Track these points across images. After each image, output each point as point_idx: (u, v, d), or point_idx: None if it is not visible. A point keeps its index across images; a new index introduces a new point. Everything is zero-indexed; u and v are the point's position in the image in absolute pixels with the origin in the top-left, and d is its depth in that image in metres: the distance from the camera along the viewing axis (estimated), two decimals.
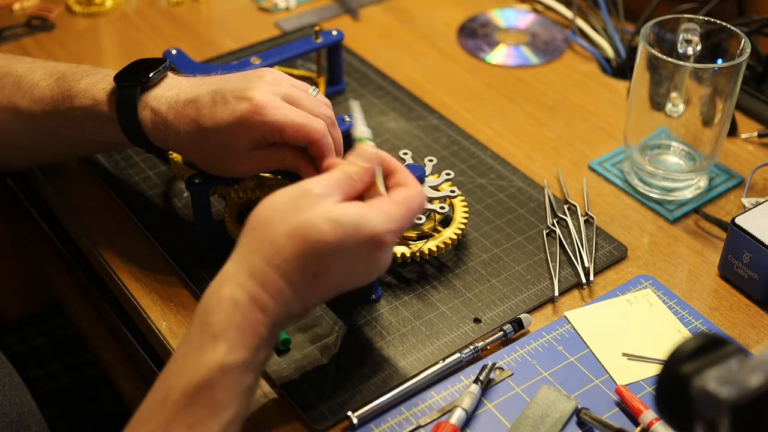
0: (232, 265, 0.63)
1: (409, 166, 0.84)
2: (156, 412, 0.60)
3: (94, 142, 0.86)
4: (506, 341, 0.77)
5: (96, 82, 0.80)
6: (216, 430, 0.60)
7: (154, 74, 0.79)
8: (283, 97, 0.75)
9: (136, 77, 0.78)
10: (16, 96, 0.83)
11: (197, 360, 0.60)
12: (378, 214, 0.64)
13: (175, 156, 0.89)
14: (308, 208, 0.62)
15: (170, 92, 0.78)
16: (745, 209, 0.85)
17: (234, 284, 0.62)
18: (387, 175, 0.69)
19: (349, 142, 0.90)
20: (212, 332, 0.60)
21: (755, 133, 1.00)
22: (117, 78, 0.79)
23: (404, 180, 0.68)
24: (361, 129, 0.70)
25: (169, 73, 0.81)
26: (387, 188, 0.68)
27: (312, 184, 0.64)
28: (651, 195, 0.92)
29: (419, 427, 0.70)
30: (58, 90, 0.81)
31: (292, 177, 0.82)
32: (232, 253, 0.64)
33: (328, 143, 0.75)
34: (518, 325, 0.77)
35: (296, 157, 0.76)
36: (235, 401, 0.61)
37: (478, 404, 0.72)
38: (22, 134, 0.85)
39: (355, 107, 0.72)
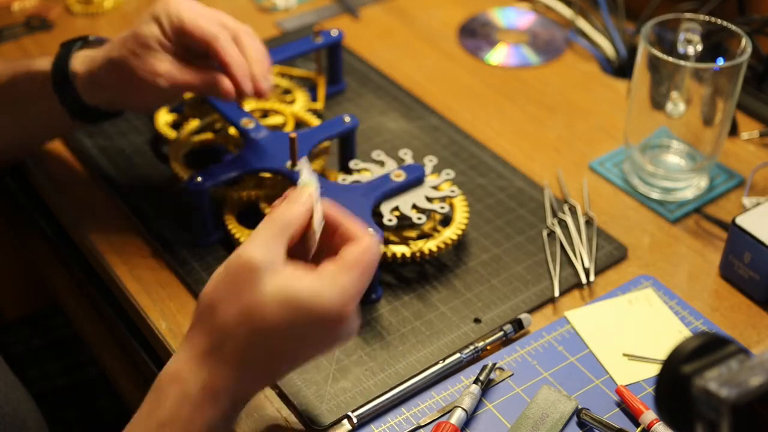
0: (183, 353, 0.60)
1: (408, 166, 0.84)
2: None
3: (31, 118, 0.88)
4: (506, 341, 0.77)
5: (44, 58, 0.85)
6: None
7: (94, 38, 0.85)
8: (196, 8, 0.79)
9: (78, 39, 0.85)
10: None
11: None
12: (332, 290, 0.58)
13: (175, 155, 0.89)
14: (254, 284, 0.58)
15: (106, 45, 0.82)
16: (746, 209, 0.85)
17: (185, 373, 0.59)
18: (332, 230, 0.64)
19: (351, 143, 0.90)
20: (159, 420, 0.58)
21: (756, 133, 1.00)
22: (61, 44, 0.85)
23: (352, 232, 0.63)
24: (305, 176, 0.65)
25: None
26: (334, 245, 0.63)
27: (252, 250, 0.59)
28: (651, 195, 0.92)
29: (419, 427, 0.70)
30: (8, 65, 0.86)
31: (288, 176, 0.82)
32: (184, 338, 0.61)
33: (224, 47, 0.77)
34: (518, 325, 0.77)
35: (210, 74, 0.79)
36: None
37: (478, 404, 0.71)
38: None
39: (304, 162, 0.68)
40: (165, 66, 0.78)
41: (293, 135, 0.81)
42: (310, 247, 0.63)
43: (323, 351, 0.62)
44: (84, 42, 0.85)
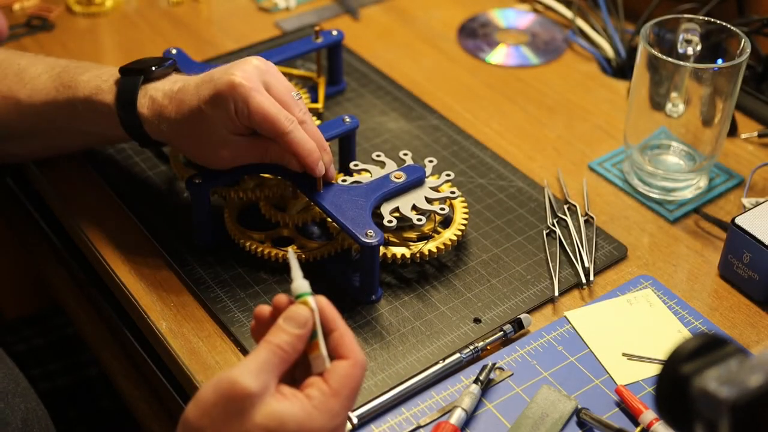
0: None
1: (408, 167, 0.84)
2: None
3: (92, 134, 0.87)
4: (506, 341, 0.77)
5: (100, 74, 0.82)
6: None
7: (158, 67, 0.81)
8: (265, 84, 0.77)
9: (140, 68, 0.81)
10: (17, 86, 0.84)
11: None
12: (321, 417, 0.56)
13: (175, 155, 0.89)
14: (246, 414, 0.55)
15: (170, 84, 0.80)
16: (745, 209, 0.85)
17: None
18: (327, 330, 0.60)
19: (351, 143, 0.90)
20: None
21: (755, 133, 1.00)
22: (122, 69, 0.81)
23: (341, 345, 0.59)
24: (298, 284, 0.60)
25: (174, 72, 0.83)
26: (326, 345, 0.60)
27: (242, 377, 0.55)
28: (651, 195, 0.92)
29: (419, 427, 0.70)
30: (60, 81, 0.83)
31: (290, 177, 0.82)
32: None
33: (296, 139, 0.76)
34: (518, 325, 0.77)
35: (280, 150, 0.78)
36: None
37: (478, 404, 0.72)
38: (22, 124, 0.86)
39: (292, 259, 0.62)
40: (229, 153, 0.78)
41: None
42: (315, 370, 0.60)
43: None
44: (146, 74, 0.80)
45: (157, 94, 0.79)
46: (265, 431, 0.55)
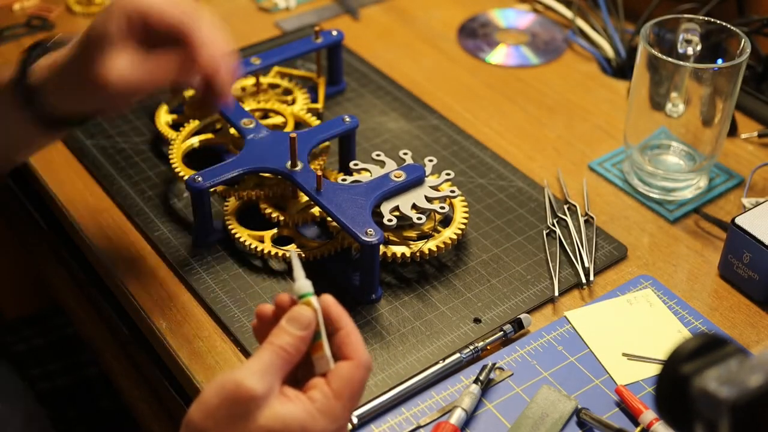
0: None
1: (408, 166, 0.84)
2: None
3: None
4: (506, 341, 0.77)
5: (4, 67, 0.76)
6: None
7: (57, 38, 0.74)
8: None
9: (36, 44, 0.75)
10: None
11: None
12: (324, 417, 0.57)
13: (175, 156, 0.89)
14: (250, 417, 0.55)
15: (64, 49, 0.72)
16: (745, 209, 0.85)
17: None
18: (333, 329, 0.60)
19: (351, 143, 0.90)
20: None
21: (755, 133, 1.00)
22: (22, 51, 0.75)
23: (346, 344, 0.59)
24: (301, 284, 0.60)
25: None
26: (330, 344, 0.60)
27: (246, 379, 0.55)
28: (651, 195, 0.92)
29: (419, 427, 0.70)
30: None
31: (287, 176, 0.82)
32: None
33: (201, 39, 0.68)
34: (518, 325, 0.77)
35: (182, 68, 0.69)
36: None
37: (478, 404, 0.72)
38: None
39: (294, 259, 0.61)
40: (119, 65, 0.67)
41: (293, 135, 0.81)
42: (319, 371, 0.60)
43: None
44: (43, 48, 0.75)
45: (54, 55, 0.72)
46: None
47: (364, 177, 0.85)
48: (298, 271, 0.60)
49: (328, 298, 0.60)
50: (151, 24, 0.68)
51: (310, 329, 0.58)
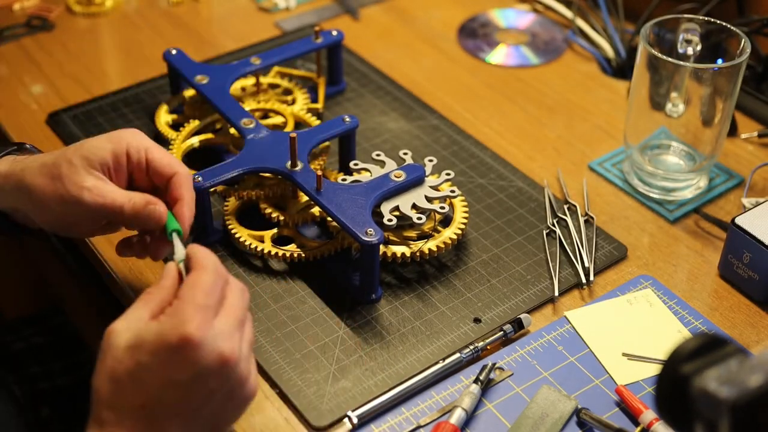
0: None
1: (408, 166, 0.84)
2: None
3: None
4: (506, 341, 0.77)
5: None
6: None
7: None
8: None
9: None
10: None
11: None
12: (170, 318, 0.59)
13: (175, 156, 0.89)
14: (110, 348, 0.60)
15: (23, 161, 0.74)
16: (745, 209, 0.85)
17: None
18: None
19: (351, 143, 0.90)
20: None
21: (755, 133, 1.00)
22: None
23: (192, 260, 0.63)
24: (178, 252, 0.66)
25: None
26: None
27: (115, 323, 0.61)
28: (651, 195, 0.92)
29: (419, 427, 0.70)
30: None
31: (287, 176, 0.82)
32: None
33: (187, 187, 0.73)
34: (518, 325, 0.77)
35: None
36: None
37: (478, 404, 0.72)
38: None
39: (175, 238, 0.69)
40: (92, 182, 0.70)
41: (293, 135, 0.81)
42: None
43: (203, 393, 0.59)
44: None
45: (11, 167, 0.74)
46: (121, 349, 0.59)
47: (364, 177, 0.85)
48: (178, 244, 0.67)
49: (195, 249, 0.64)
50: (150, 165, 0.72)
51: (171, 281, 0.63)
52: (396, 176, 0.83)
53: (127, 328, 0.59)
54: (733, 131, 1.00)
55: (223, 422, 0.62)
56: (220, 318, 0.60)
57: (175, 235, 0.69)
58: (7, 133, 1.00)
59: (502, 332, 0.77)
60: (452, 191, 0.85)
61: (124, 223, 0.74)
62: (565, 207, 0.90)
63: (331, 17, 1.21)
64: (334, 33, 1.02)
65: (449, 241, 0.82)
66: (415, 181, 0.84)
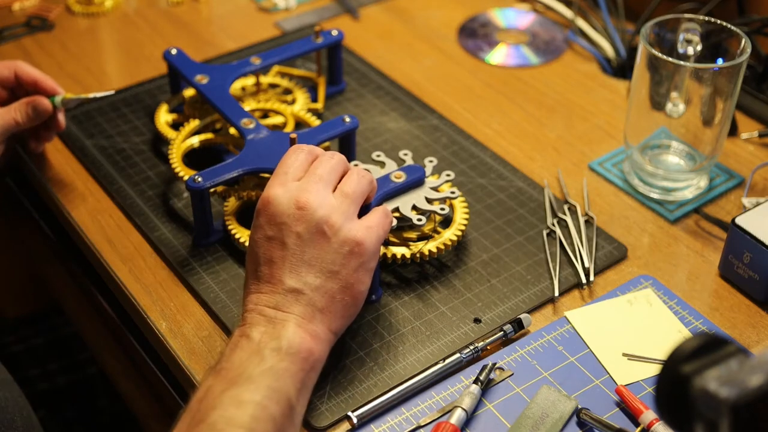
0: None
1: (409, 167, 0.84)
2: None
3: None
4: (506, 341, 0.77)
5: None
6: None
7: None
8: None
9: None
10: None
11: None
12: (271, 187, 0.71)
13: (175, 156, 0.89)
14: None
15: None
16: (746, 209, 0.85)
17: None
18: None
19: (351, 143, 0.90)
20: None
21: (755, 133, 1.00)
22: None
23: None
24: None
25: None
26: None
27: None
28: (651, 195, 0.92)
29: (419, 427, 0.70)
30: None
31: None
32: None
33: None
34: (518, 325, 0.77)
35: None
36: None
37: (478, 404, 0.72)
38: None
39: (64, 99, 0.90)
40: None
41: (293, 135, 0.81)
42: None
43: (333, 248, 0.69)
44: None
45: None
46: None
47: None
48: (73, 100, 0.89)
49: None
50: (20, 76, 0.90)
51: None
52: (396, 177, 0.83)
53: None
54: (733, 131, 1.00)
55: (342, 269, 0.69)
56: (298, 180, 0.70)
57: (58, 99, 0.89)
58: None
59: (502, 332, 0.77)
60: (452, 192, 0.85)
61: (21, 130, 0.89)
62: (565, 207, 0.90)
63: (331, 17, 1.21)
64: (334, 33, 1.02)
65: (449, 243, 0.82)
66: (416, 182, 0.83)
